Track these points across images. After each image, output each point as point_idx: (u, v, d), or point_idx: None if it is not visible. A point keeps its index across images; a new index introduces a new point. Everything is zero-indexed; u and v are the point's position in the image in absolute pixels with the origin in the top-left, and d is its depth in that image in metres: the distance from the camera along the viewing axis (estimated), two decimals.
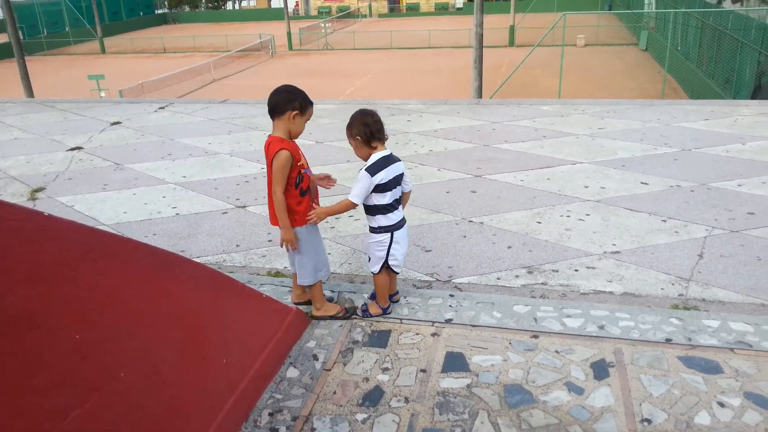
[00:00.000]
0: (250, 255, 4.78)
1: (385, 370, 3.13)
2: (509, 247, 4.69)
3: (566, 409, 2.80)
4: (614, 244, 4.65)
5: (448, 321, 3.55)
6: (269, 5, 70.67)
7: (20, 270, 1.85)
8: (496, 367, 3.11)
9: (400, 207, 3.47)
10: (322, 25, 44.56)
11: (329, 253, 4.50)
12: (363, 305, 3.69)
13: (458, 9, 57.99)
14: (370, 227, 3.46)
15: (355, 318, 3.62)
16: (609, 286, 4.06)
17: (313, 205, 3.46)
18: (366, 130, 3.27)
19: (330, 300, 3.79)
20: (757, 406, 2.76)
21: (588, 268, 4.32)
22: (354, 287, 4.03)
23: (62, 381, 1.93)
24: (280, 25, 43.52)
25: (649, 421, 2.70)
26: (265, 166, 3.37)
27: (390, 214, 3.38)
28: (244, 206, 5.80)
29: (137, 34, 50.07)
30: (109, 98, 16.50)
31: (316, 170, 3.63)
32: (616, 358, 3.15)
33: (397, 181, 3.35)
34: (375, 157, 3.30)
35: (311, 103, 3.34)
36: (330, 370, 3.16)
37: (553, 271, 4.29)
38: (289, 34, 39.98)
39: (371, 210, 3.39)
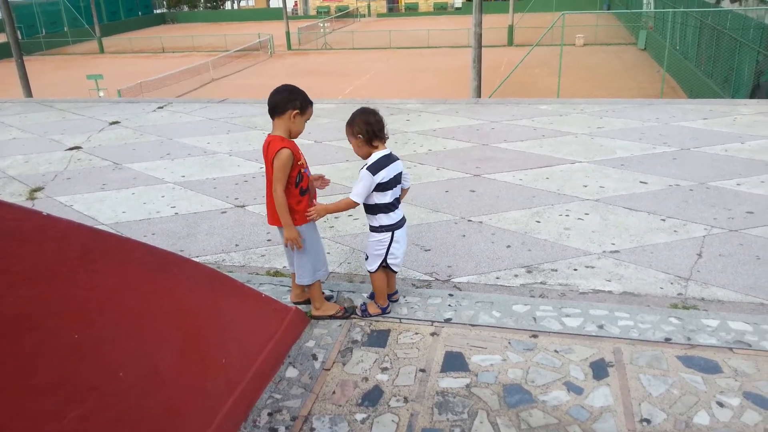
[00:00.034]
0: (249, 254, 4.77)
1: (384, 369, 3.13)
2: (508, 246, 4.69)
3: (565, 409, 2.80)
4: (613, 244, 4.65)
5: (448, 320, 3.55)
6: (268, 5, 70.56)
7: (19, 270, 1.84)
8: (495, 366, 3.11)
9: (400, 206, 3.47)
10: (321, 25, 44.52)
11: (328, 253, 4.50)
12: (362, 305, 3.68)
13: (457, 9, 58.00)
14: (371, 226, 3.45)
15: (354, 317, 3.62)
16: (608, 286, 4.06)
17: (313, 203, 3.47)
18: (368, 128, 3.26)
19: (329, 299, 3.79)
20: (756, 405, 2.76)
21: (587, 267, 4.32)
22: (353, 287, 4.03)
23: (61, 381, 1.93)
24: (278, 25, 43.49)
25: (648, 420, 2.70)
26: (263, 166, 3.37)
27: (391, 213, 3.38)
28: (243, 206, 5.79)
29: (136, 33, 50.00)
30: (108, 98, 16.46)
31: (314, 170, 3.63)
32: (616, 357, 3.15)
33: (397, 179, 3.36)
34: (376, 155, 3.30)
35: (311, 103, 3.35)
36: (329, 369, 3.16)
37: (552, 270, 4.29)
38: (287, 33, 39.96)
39: (372, 209, 3.38)
